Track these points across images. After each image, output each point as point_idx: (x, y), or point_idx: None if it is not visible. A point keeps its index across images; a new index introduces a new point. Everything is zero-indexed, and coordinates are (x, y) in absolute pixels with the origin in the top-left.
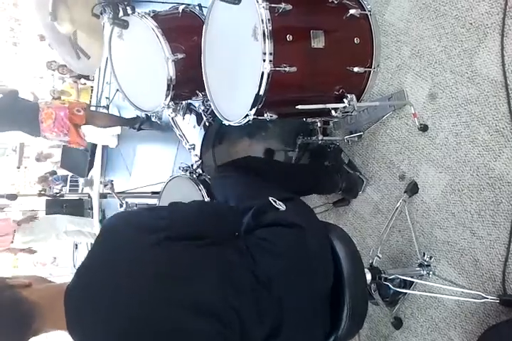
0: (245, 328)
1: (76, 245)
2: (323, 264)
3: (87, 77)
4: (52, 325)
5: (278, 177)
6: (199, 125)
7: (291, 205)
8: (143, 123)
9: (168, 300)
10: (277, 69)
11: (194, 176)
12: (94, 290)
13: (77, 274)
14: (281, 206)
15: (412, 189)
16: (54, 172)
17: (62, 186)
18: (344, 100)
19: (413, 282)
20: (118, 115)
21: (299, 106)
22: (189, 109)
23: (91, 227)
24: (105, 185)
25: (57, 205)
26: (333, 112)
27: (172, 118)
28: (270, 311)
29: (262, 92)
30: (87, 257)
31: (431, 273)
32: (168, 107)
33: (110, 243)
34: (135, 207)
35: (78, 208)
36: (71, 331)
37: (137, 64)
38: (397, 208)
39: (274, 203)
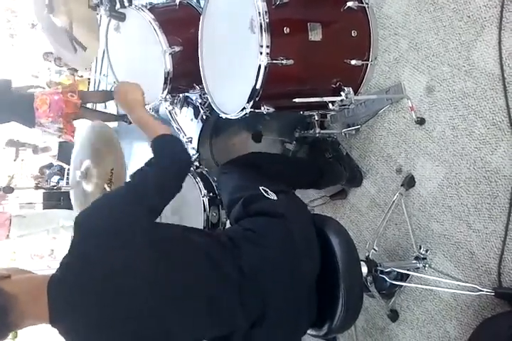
0: (235, 322)
1: None
2: (309, 255)
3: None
4: (34, 318)
5: (281, 172)
6: (196, 118)
7: (283, 196)
8: None
9: (152, 306)
10: (274, 62)
11: (191, 169)
12: (80, 283)
13: (61, 267)
14: (272, 196)
15: (409, 182)
16: (51, 165)
17: (60, 179)
18: (341, 93)
19: (409, 275)
20: (115, 105)
21: (296, 99)
22: (186, 102)
23: None
24: (110, 175)
25: (54, 198)
26: (330, 105)
27: (169, 112)
28: (254, 302)
29: (258, 85)
30: (70, 250)
31: (427, 266)
32: (166, 100)
33: (91, 240)
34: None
35: None
36: (54, 324)
37: (134, 57)
38: (393, 201)
39: (265, 193)
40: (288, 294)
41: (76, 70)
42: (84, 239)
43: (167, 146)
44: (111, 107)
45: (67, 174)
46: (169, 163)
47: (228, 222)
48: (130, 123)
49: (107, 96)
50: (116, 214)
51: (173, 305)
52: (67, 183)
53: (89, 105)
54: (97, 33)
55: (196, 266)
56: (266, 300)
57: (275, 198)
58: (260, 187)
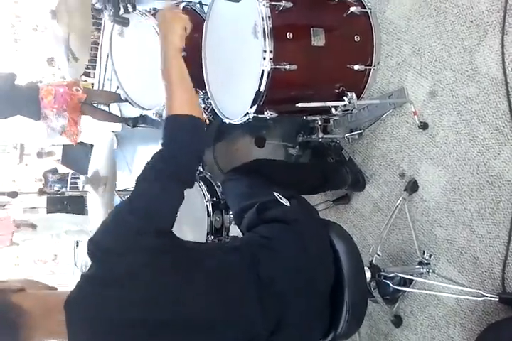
0: (254, 332)
1: (77, 242)
2: (323, 262)
3: (87, 74)
4: (45, 335)
5: (286, 177)
6: None
7: (295, 202)
8: (138, 120)
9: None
10: (277, 67)
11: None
12: (95, 301)
13: (79, 288)
14: (285, 202)
15: (412, 187)
16: (55, 170)
17: (62, 187)
18: (344, 98)
19: (413, 280)
20: (118, 109)
21: (299, 104)
22: None
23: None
24: (105, 182)
25: (58, 203)
26: (333, 110)
27: None
28: (273, 309)
29: (262, 90)
30: (90, 270)
31: (431, 271)
32: None
33: (105, 263)
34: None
35: (79, 205)
36: None
37: (138, 61)
38: (397, 206)
39: (279, 199)
40: (304, 302)
41: (80, 76)
42: (98, 262)
43: (184, 136)
44: (114, 110)
45: (71, 179)
46: (173, 164)
47: (231, 226)
48: (133, 126)
49: (111, 97)
50: (119, 235)
51: (191, 313)
52: (71, 188)
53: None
54: (89, 48)
55: (215, 274)
56: (284, 308)
57: (288, 204)
58: (274, 193)
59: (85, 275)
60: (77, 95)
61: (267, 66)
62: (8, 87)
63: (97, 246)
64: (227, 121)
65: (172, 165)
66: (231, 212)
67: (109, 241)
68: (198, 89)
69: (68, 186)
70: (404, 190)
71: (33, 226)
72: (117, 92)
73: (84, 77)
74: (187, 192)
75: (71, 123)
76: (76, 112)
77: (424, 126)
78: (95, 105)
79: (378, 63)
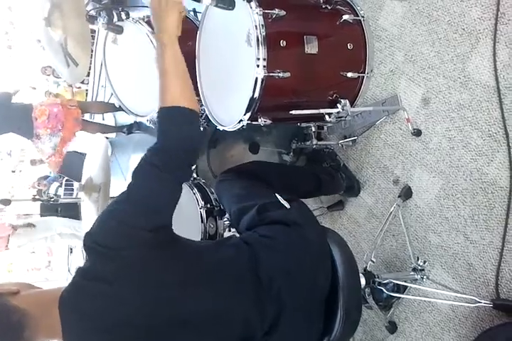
0: (250, 331)
1: (71, 249)
2: (323, 266)
3: (82, 81)
4: (45, 333)
5: (281, 180)
6: None
7: (295, 205)
8: (132, 127)
9: (165, 314)
10: (271, 74)
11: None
12: (89, 297)
13: (73, 284)
14: (285, 204)
15: (406, 193)
16: (47, 177)
17: (58, 186)
18: (338, 105)
19: (407, 286)
20: (113, 117)
21: (293, 112)
22: None
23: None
24: (99, 189)
25: (51, 209)
26: (326, 117)
27: None
28: (270, 310)
29: (255, 97)
30: (85, 264)
31: (425, 277)
32: None
33: (104, 253)
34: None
35: (73, 212)
36: (66, 339)
37: (132, 69)
38: (391, 212)
39: (280, 201)
40: (302, 305)
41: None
42: (93, 255)
43: (175, 128)
44: (108, 119)
45: (65, 185)
46: (169, 158)
47: (225, 233)
48: (128, 133)
49: (106, 107)
50: (115, 229)
51: (188, 312)
52: (65, 195)
53: (87, 116)
54: (89, 50)
55: (214, 271)
56: (281, 309)
57: (288, 206)
58: (276, 195)
59: (80, 269)
60: (73, 114)
61: (261, 73)
62: (2, 107)
63: (92, 240)
64: (221, 128)
65: (166, 158)
66: (225, 218)
67: (105, 235)
68: None
69: (63, 192)
70: (398, 197)
71: (31, 225)
72: (111, 102)
73: (78, 84)
74: (181, 198)
75: (62, 142)
76: (74, 130)
77: (417, 132)
78: (89, 116)
79: (371, 70)
